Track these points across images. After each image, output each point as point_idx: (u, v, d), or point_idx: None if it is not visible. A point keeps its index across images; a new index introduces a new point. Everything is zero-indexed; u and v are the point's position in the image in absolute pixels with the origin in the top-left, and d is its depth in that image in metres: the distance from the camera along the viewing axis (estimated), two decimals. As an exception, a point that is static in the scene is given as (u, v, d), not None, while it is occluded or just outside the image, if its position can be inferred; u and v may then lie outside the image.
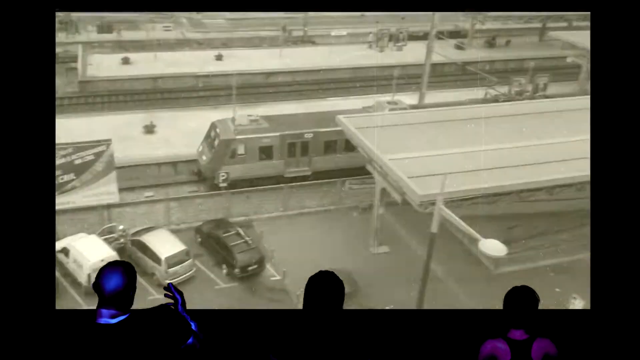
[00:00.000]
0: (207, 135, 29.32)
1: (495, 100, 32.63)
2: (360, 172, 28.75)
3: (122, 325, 3.14)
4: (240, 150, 27.88)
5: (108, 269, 3.23)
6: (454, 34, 53.01)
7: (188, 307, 3.40)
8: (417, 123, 26.91)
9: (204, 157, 28.72)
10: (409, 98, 33.47)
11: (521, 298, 3.78)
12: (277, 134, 28.53)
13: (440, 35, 38.66)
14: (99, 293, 3.18)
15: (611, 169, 4.34)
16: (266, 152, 28.59)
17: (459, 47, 49.48)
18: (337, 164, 29.52)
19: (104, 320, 3.14)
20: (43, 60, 4.16)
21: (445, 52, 37.87)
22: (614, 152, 4.34)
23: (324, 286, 3.39)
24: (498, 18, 52.64)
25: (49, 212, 4.16)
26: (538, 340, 3.78)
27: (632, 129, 4.29)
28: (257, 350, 3.41)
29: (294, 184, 28.66)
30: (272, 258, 24.17)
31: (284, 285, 22.89)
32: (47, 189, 4.16)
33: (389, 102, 30.84)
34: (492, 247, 17.27)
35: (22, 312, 3.79)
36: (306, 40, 53.03)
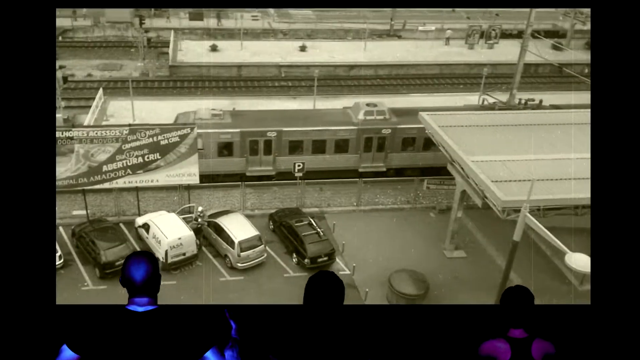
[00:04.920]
0: None
1: (492, 108, 29.94)
2: (337, 174, 27.88)
3: (147, 315, 3.19)
4: (199, 145, 26.54)
5: (134, 259, 3.32)
6: (552, 34, 50.18)
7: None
8: (504, 125, 25.55)
9: None
10: (499, 97, 31.80)
11: (518, 298, 3.82)
12: (237, 130, 27.22)
13: (537, 34, 36.50)
14: (130, 284, 3.26)
15: (612, 163, 4.31)
16: (227, 149, 27.45)
17: (556, 48, 46.74)
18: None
19: (132, 307, 3.23)
20: (43, 56, 4.16)
21: (540, 52, 35.67)
22: (615, 147, 4.30)
23: (324, 286, 3.37)
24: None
25: (49, 209, 4.16)
26: (538, 341, 3.81)
27: (633, 125, 4.25)
28: (256, 350, 3.37)
29: (368, 179, 28.20)
30: (342, 252, 23.93)
31: (353, 281, 22.55)
32: (48, 185, 4.16)
33: (368, 104, 29.26)
34: (581, 261, 15.99)
35: (23, 307, 3.82)
36: (392, 35, 52.19)
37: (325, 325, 3.30)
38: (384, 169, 29.30)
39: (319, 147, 28.38)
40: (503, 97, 31.62)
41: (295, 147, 28.25)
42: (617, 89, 4.33)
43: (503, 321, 3.87)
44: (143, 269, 3.26)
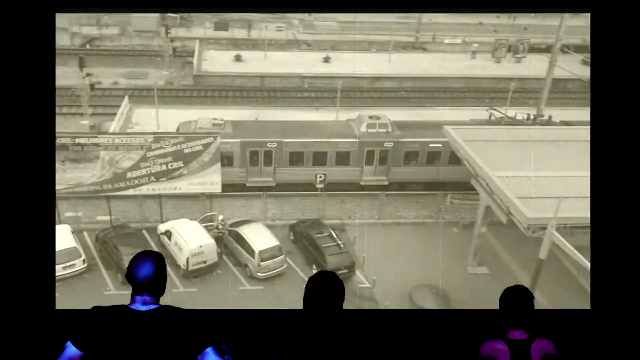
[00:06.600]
0: None
1: (498, 123, 29.27)
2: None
3: (149, 314, 3.22)
4: None
5: (139, 258, 3.35)
6: (581, 49, 49.42)
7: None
8: (530, 140, 25.15)
9: None
10: (525, 113, 31.25)
11: (517, 298, 3.77)
12: (237, 140, 26.99)
13: (566, 49, 35.97)
14: (132, 281, 3.30)
15: (613, 164, 4.29)
16: (227, 159, 27.11)
17: (586, 63, 46.00)
18: (303, 176, 27.73)
19: (134, 306, 3.26)
20: (43, 60, 4.17)
21: (570, 67, 35.08)
22: (615, 149, 4.32)
23: (324, 286, 3.37)
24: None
25: (49, 211, 4.18)
26: (537, 340, 3.75)
27: (633, 128, 4.30)
28: (257, 351, 3.40)
29: (390, 192, 27.90)
30: (362, 265, 23.70)
31: (373, 294, 22.30)
32: (48, 188, 4.18)
33: (370, 117, 28.77)
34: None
35: (22, 311, 3.83)
36: (417, 47, 51.95)
37: (326, 325, 3.30)
38: (387, 183, 28.77)
39: (320, 159, 27.99)
40: (510, 112, 30.96)
41: (295, 158, 27.91)
42: (617, 92, 4.33)
43: (503, 322, 3.83)
44: (147, 267, 3.29)
